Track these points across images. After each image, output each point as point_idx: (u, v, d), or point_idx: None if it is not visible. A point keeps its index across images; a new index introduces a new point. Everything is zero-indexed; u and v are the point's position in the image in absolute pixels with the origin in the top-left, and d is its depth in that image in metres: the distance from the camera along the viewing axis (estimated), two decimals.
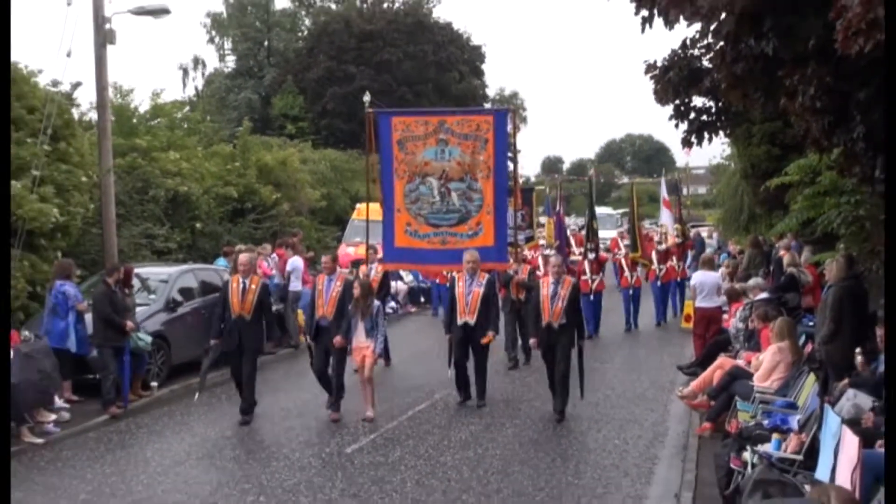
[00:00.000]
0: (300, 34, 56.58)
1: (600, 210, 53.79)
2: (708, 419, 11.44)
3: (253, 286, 12.47)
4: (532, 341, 12.78)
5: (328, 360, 12.47)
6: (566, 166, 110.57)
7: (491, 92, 65.17)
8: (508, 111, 14.82)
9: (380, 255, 16.10)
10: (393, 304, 23.88)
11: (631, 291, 21.13)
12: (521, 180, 34.95)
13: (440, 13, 59.78)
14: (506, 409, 13.03)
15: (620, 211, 51.38)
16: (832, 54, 6.76)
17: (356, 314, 12.14)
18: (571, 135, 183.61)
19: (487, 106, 65.97)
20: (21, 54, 63.47)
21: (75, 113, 21.83)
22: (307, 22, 58.53)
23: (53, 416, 12.36)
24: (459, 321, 12.87)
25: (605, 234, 34.58)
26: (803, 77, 8.44)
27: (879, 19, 5.45)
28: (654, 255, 22.15)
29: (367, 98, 18.11)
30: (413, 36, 51.79)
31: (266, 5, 57.42)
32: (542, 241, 25.09)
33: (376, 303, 12.35)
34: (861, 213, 14.04)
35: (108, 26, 17.52)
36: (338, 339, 12.15)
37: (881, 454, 7.29)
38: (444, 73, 53.36)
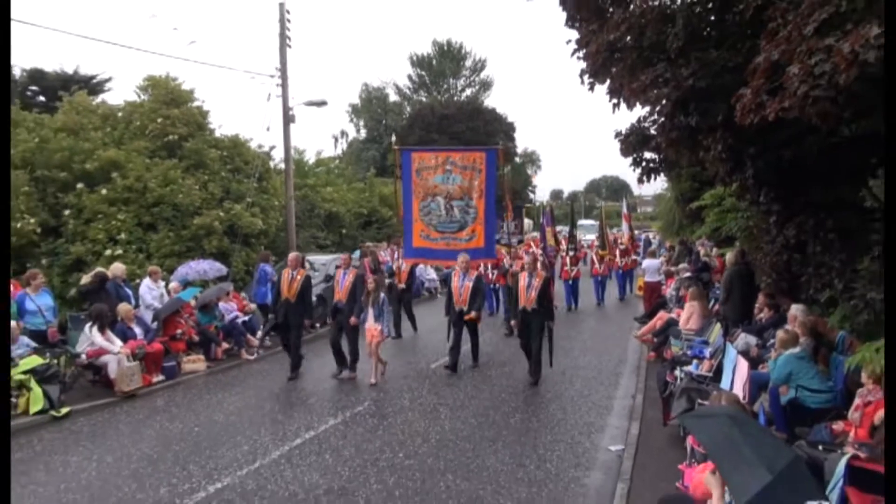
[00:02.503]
0: (404, 116, 56.76)
1: (585, 222, 53.12)
2: (653, 350, 11.30)
3: (298, 277, 10.73)
4: (513, 323, 10.75)
5: (341, 334, 10.61)
6: (565, 194, 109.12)
7: (519, 149, 64.51)
8: (497, 149, 12.99)
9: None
10: None
11: (599, 278, 19.56)
12: (536, 205, 34.43)
13: (489, 102, 59.48)
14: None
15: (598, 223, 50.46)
16: (733, 124, 6.59)
17: (367, 303, 10.29)
18: (569, 174, 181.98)
19: (517, 160, 65.56)
20: (240, 129, 64.86)
21: (271, 164, 22.27)
22: (408, 108, 58.74)
23: (258, 343, 12.68)
24: (456, 308, 10.95)
25: (589, 236, 34.31)
26: (714, 139, 8.27)
27: (764, 102, 5.32)
28: (617, 252, 20.82)
29: (393, 138, 16.16)
30: (472, 116, 51.68)
31: (384, 99, 57.97)
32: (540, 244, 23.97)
33: (382, 294, 10.42)
34: (750, 223, 13.70)
35: (291, 112, 17.83)
36: (352, 320, 10.43)
37: (761, 373, 7.15)
38: (490, 138, 52.62)
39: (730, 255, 11.41)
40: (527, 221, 29.28)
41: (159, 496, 6.02)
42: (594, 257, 20.67)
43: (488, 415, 8.41)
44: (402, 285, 14.45)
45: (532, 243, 22.52)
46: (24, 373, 8.55)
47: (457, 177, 12.47)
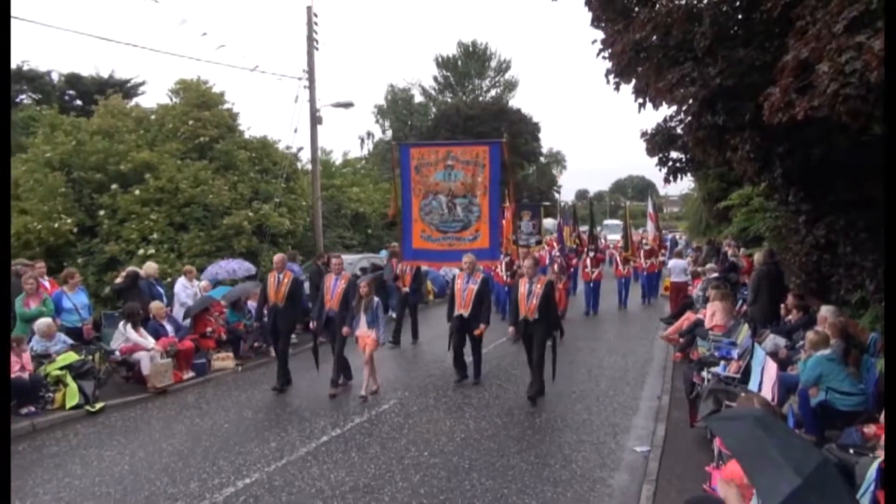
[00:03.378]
0: (430, 117, 56.81)
1: (611, 221, 52.46)
2: (679, 350, 11.14)
3: (286, 280, 9.80)
4: (510, 330, 9.44)
5: (344, 342, 9.64)
6: (591, 194, 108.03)
7: (544, 149, 64.18)
8: (501, 142, 11.68)
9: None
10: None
11: (623, 280, 18.49)
12: (561, 205, 33.81)
13: (514, 102, 59.09)
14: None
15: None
16: (761, 123, 6.49)
17: (359, 309, 9.26)
18: (594, 174, 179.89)
19: (542, 160, 64.87)
20: (268, 130, 65.56)
21: (299, 164, 22.46)
22: (433, 109, 58.79)
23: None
24: (456, 313, 9.76)
25: (614, 236, 33.89)
26: (742, 138, 8.16)
27: (793, 101, 5.24)
28: (641, 254, 19.39)
29: (389, 133, 14.32)
30: (497, 116, 51.41)
31: (409, 100, 58.07)
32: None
33: (376, 299, 9.35)
34: (779, 223, 13.51)
35: (318, 113, 17.97)
36: (345, 330, 9.37)
37: (790, 374, 7.02)
38: (515, 139, 52.59)
39: (758, 256, 11.25)
40: (549, 221, 28.39)
41: (190, 490, 6.11)
42: (617, 258, 19.52)
43: (513, 414, 8.38)
44: (406, 289, 13.62)
45: (553, 243, 22.22)
46: (61, 369, 8.75)
47: (459, 173, 11.49)
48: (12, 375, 8.23)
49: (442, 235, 11.59)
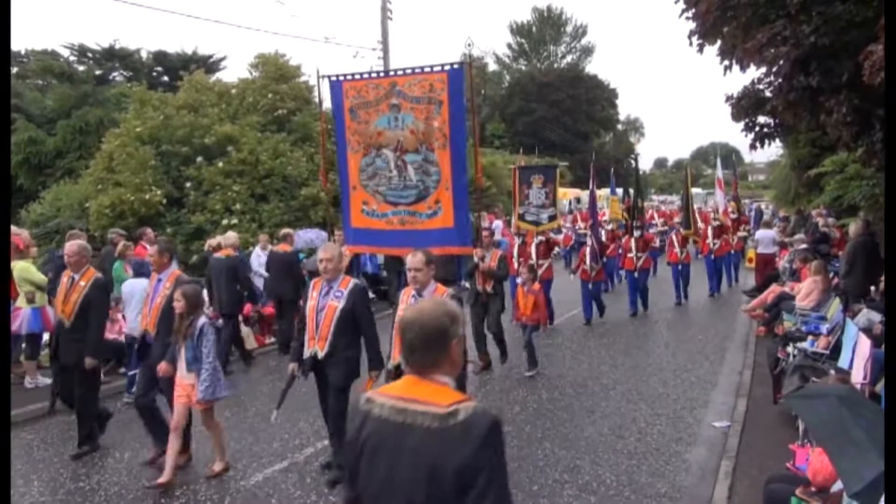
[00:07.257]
0: (504, 85, 56.16)
1: (693, 191, 50.16)
2: (763, 325, 10.73)
3: (82, 283, 6.11)
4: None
5: (154, 389, 6.07)
6: (670, 162, 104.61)
7: (621, 116, 62.40)
8: (464, 65, 7.73)
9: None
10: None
11: (679, 266, 14.02)
12: (640, 173, 31.75)
13: (590, 68, 57.74)
14: (619, 323, 12.58)
15: (707, 191, 47.31)
16: (859, 84, 6.07)
17: (177, 338, 5.52)
18: (674, 141, 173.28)
19: (620, 128, 62.58)
20: None
21: None
22: (507, 77, 58.05)
23: None
24: (308, 351, 5.56)
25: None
26: (838, 101, 7.67)
27: None
28: (709, 231, 15.43)
29: (318, 70, 10.05)
30: (573, 84, 50.52)
31: (483, 68, 57.47)
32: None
33: (202, 320, 5.49)
34: (877, 191, 12.71)
35: None
36: (162, 367, 5.63)
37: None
38: (592, 106, 51.80)
39: (853, 226, 10.68)
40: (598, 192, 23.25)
41: (273, 449, 6.41)
42: (674, 238, 14.70)
43: (587, 385, 8.31)
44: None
45: (579, 218, 18.91)
46: None
47: (407, 115, 7.51)
48: (111, 337, 8.81)
49: (391, 209, 7.76)
